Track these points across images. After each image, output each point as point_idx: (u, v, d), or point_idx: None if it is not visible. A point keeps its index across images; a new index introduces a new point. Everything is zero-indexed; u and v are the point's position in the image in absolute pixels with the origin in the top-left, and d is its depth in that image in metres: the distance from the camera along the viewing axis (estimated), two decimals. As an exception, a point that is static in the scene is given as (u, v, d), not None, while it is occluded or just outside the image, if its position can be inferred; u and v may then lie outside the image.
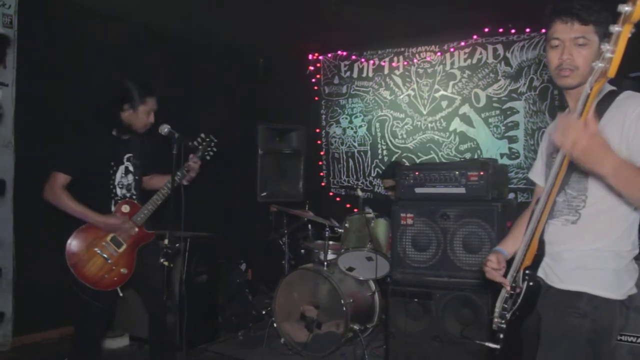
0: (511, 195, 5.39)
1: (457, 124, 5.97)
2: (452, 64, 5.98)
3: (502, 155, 5.67)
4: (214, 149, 3.36)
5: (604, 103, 1.83)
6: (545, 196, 1.81)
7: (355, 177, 6.63)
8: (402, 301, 3.77)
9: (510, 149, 5.65)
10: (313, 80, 6.86)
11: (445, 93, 6.03)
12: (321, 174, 6.83)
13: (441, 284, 3.69)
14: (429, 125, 6.13)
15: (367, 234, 4.35)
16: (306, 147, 5.89)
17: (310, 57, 6.83)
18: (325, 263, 4.50)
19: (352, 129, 6.65)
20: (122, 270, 3.08)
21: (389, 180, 5.22)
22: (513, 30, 5.58)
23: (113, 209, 3.12)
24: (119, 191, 3.15)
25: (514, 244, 2.09)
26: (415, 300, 3.73)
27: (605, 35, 1.37)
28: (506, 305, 1.98)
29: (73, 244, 3.00)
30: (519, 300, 1.91)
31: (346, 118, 6.68)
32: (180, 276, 4.21)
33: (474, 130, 5.88)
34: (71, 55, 4.89)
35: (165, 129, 3.04)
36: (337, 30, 6.02)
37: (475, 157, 5.75)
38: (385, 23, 5.69)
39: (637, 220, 1.88)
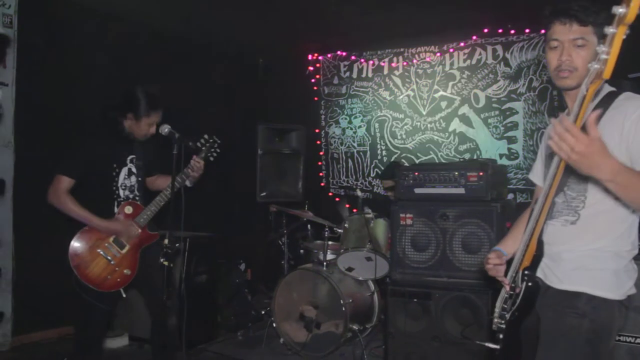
0: (510, 196, 5.39)
1: (456, 125, 5.97)
2: (452, 64, 5.99)
3: (501, 155, 5.67)
4: (218, 150, 3.37)
5: (604, 104, 1.83)
6: (543, 197, 1.81)
7: (354, 177, 6.63)
8: (402, 301, 3.78)
9: (509, 149, 5.66)
10: (312, 80, 6.86)
11: (444, 93, 6.03)
12: (320, 174, 6.84)
13: (440, 284, 3.70)
14: (429, 125, 6.14)
15: (366, 234, 4.36)
16: (306, 147, 5.89)
17: (309, 57, 6.83)
18: (325, 263, 4.50)
19: (351, 129, 6.65)
20: (125, 271, 3.09)
21: (388, 181, 5.22)
22: (512, 31, 5.59)
23: (116, 210, 3.12)
24: (121, 192, 3.16)
25: (514, 244, 2.10)
26: (415, 300, 3.73)
27: (603, 36, 1.37)
28: (505, 306, 1.99)
29: (76, 245, 3.00)
30: (518, 301, 1.91)
31: (345, 118, 6.69)
32: (180, 276, 4.22)
33: (473, 130, 5.88)
34: (71, 55, 4.90)
35: (165, 129, 3.05)
36: (336, 31, 6.02)
37: (475, 157, 5.75)
38: (384, 23, 5.69)
39: (636, 220, 1.89)
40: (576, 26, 1.82)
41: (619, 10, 1.28)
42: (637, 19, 1.32)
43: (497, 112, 5.73)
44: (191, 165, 3.20)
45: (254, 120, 6.06)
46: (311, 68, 6.86)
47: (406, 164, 5.92)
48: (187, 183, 3.27)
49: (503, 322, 1.99)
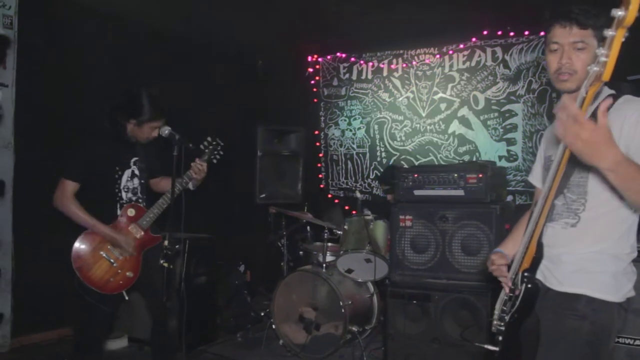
0: (509, 198, 5.40)
1: (455, 127, 5.98)
2: (451, 66, 6.00)
3: (500, 157, 5.68)
4: (221, 152, 3.36)
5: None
6: (543, 199, 1.81)
7: (353, 179, 6.63)
8: (401, 303, 3.79)
9: (508, 151, 5.66)
10: (312, 82, 6.87)
11: (444, 95, 6.04)
12: (320, 175, 6.84)
13: (440, 285, 3.70)
14: (428, 127, 6.14)
15: (366, 235, 4.36)
16: (305, 148, 5.90)
17: (309, 59, 6.84)
18: (324, 265, 4.51)
19: (350, 130, 6.66)
20: (127, 273, 3.08)
21: (386, 185, 5.23)
22: (512, 33, 5.59)
23: (119, 212, 3.12)
24: (124, 195, 3.15)
25: (514, 246, 2.10)
26: (414, 302, 3.74)
27: (603, 39, 1.38)
28: (505, 308, 1.99)
29: (79, 247, 3.00)
30: (518, 303, 1.92)
31: (345, 120, 6.69)
32: (180, 278, 4.22)
33: (472, 132, 5.89)
34: (71, 55, 4.90)
35: (165, 130, 3.05)
36: (336, 32, 6.03)
37: (474, 159, 5.76)
38: (384, 25, 5.70)
39: (635, 223, 1.89)
40: (576, 29, 1.82)
41: (618, 13, 1.28)
42: (635, 21, 1.32)
43: (496, 114, 5.74)
44: (194, 168, 3.20)
45: (253, 122, 6.05)
46: (311, 70, 6.87)
47: (405, 166, 5.93)
48: (190, 186, 3.27)
49: (502, 324, 1.99)
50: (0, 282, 4.37)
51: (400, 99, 6.30)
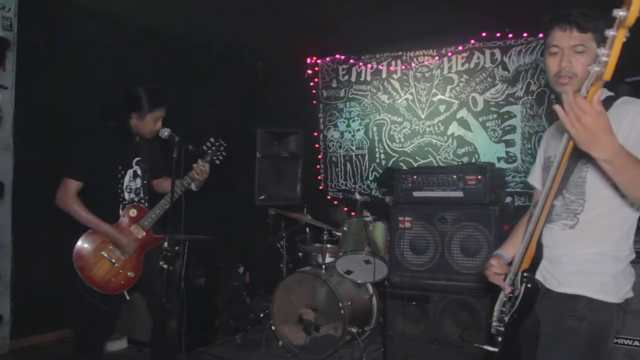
0: (508, 199, 5.40)
1: (454, 128, 5.99)
2: (450, 68, 6.01)
3: (499, 159, 5.69)
4: (224, 153, 3.37)
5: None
6: (542, 199, 1.82)
7: (352, 180, 6.64)
8: (400, 304, 3.79)
9: (507, 152, 5.67)
10: (311, 83, 6.87)
11: (443, 97, 6.05)
12: (319, 177, 6.84)
13: (439, 287, 3.71)
14: (427, 129, 6.15)
15: (365, 237, 4.37)
16: (304, 150, 5.91)
17: (308, 60, 6.84)
18: (323, 266, 4.51)
19: (349, 132, 6.66)
20: (129, 273, 3.09)
21: (385, 187, 5.24)
22: (510, 35, 5.61)
23: (121, 213, 3.13)
24: (127, 195, 3.15)
25: (514, 247, 2.10)
26: (413, 303, 3.74)
27: (602, 42, 1.38)
28: (504, 309, 2.00)
29: (80, 247, 3.00)
30: (517, 303, 1.92)
31: (344, 122, 6.70)
32: (179, 279, 4.22)
33: (471, 134, 5.90)
34: (71, 57, 4.90)
35: (165, 132, 3.06)
36: (335, 34, 6.04)
37: (473, 161, 5.77)
38: (383, 27, 5.71)
39: (634, 224, 1.90)
40: (576, 33, 1.83)
41: (620, 13, 1.29)
42: (636, 22, 1.33)
43: (495, 116, 5.75)
44: (196, 169, 3.20)
45: (252, 123, 6.07)
46: (310, 71, 6.87)
47: (404, 168, 5.94)
48: (193, 187, 3.27)
49: (501, 325, 2.00)
50: (0, 284, 4.37)
51: (399, 100, 6.31)
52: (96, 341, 3.15)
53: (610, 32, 1.33)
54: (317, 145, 6.83)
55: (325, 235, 4.61)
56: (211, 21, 5.58)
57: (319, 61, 6.83)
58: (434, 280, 3.74)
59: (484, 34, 5.74)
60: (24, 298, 4.46)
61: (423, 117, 6.18)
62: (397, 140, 6.33)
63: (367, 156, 6.54)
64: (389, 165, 6.22)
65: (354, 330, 4.21)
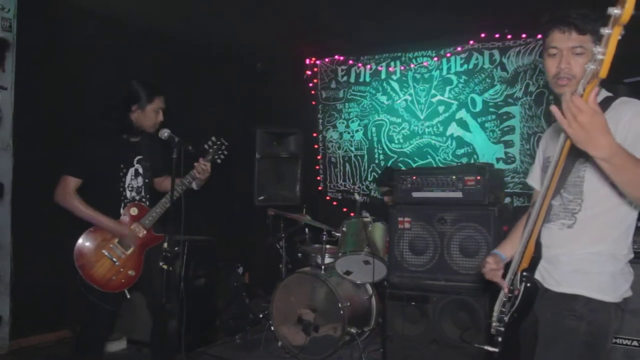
0: (507, 200, 5.41)
1: (453, 129, 6.00)
2: (449, 69, 6.02)
3: (498, 159, 5.70)
4: (225, 152, 3.38)
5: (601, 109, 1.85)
6: (541, 199, 1.83)
7: (351, 181, 6.65)
8: (400, 304, 3.80)
9: (506, 153, 5.68)
10: (310, 84, 6.88)
11: (442, 98, 6.06)
12: (318, 178, 6.85)
13: (438, 287, 3.71)
14: (426, 130, 6.16)
15: (364, 237, 4.37)
16: (303, 151, 5.91)
17: (307, 61, 6.85)
18: (323, 267, 4.52)
19: (348, 133, 6.67)
20: (129, 272, 3.09)
21: (384, 187, 5.24)
22: (509, 36, 5.62)
23: (122, 211, 3.13)
24: (128, 194, 3.16)
25: (512, 247, 2.12)
26: (413, 303, 3.75)
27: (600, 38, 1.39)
28: (504, 309, 2.01)
29: (81, 245, 3.01)
30: (517, 302, 1.93)
31: (343, 122, 6.71)
32: (179, 279, 4.22)
33: (470, 135, 5.91)
34: (70, 57, 4.90)
35: (165, 133, 3.06)
36: (334, 35, 6.04)
37: (472, 161, 5.78)
38: (382, 28, 5.72)
39: (633, 224, 1.91)
40: (575, 34, 1.84)
41: (614, 11, 1.30)
42: (631, 25, 1.34)
43: (494, 117, 5.76)
44: (197, 168, 3.21)
45: (252, 123, 6.07)
46: (309, 72, 6.88)
47: (403, 168, 5.95)
48: (194, 186, 3.28)
49: (501, 325, 2.01)
50: (-1, 285, 4.38)
51: (399, 101, 6.32)
52: (97, 340, 3.16)
53: (605, 30, 1.34)
54: (316, 146, 6.84)
55: (324, 236, 4.61)
56: (211, 21, 5.59)
57: (318, 62, 6.84)
58: (433, 281, 3.75)
59: (482, 35, 5.75)
60: (24, 298, 4.46)
61: (422, 117, 6.19)
62: (396, 141, 6.34)
63: (366, 157, 6.55)
64: (389, 164, 6.23)
65: (353, 330, 4.22)
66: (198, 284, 4.58)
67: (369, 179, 6.52)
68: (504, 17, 5.31)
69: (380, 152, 6.45)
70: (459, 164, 5.78)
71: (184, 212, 3.01)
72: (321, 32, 5.95)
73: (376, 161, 6.47)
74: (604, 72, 1.39)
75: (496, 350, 2.02)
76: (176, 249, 3.01)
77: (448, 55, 6.01)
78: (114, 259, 3.06)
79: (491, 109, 5.76)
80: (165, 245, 2.91)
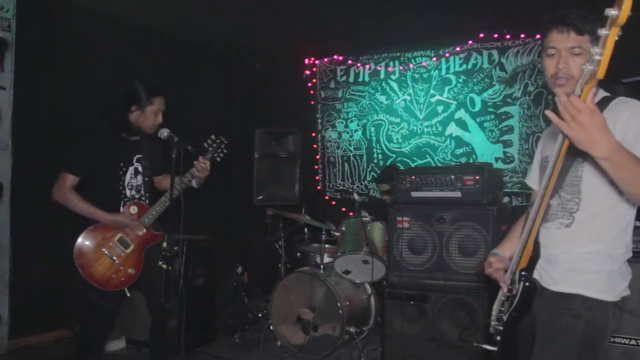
0: (506, 199, 5.43)
1: (452, 129, 6.01)
2: (448, 69, 6.03)
3: (497, 159, 5.71)
4: (225, 151, 3.39)
5: (598, 109, 1.86)
6: (539, 199, 1.84)
7: (350, 181, 6.66)
8: (398, 304, 3.80)
9: (505, 153, 5.70)
10: (309, 84, 6.89)
11: (440, 98, 6.07)
12: (317, 177, 6.86)
13: (437, 286, 3.72)
14: (425, 129, 6.17)
15: (363, 237, 4.37)
16: (302, 151, 5.91)
17: (306, 61, 6.86)
18: (322, 266, 4.52)
19: (347, 133, 6.68)
20: (129, 270, 3.10)
21: (384, 184, 5.24)
22: (508, 36, 5.63)
23: (122, 209, 3.14)
24: (128, 192, 3.17)
25: (511, 247, 2.12)
26: (412, 303, 3.75)
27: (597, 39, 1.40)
28: (503, 308, 2.01)
29: (81, 244, 3.02)
30: (516, 301, 1.93)
31: (342, 122, 6.71)
32: (178, 278, 4.22)
33: (469, 134, 5.92)
34: (70, 57, 4.90)
35: (164, 132, 3.06)
36: (333, 35, 6.05)
37: (471, 161, 5.79)
38: (381, 28, 5.73)
39: (631, 223, 1.92)
40: (573, 35, 1.84)
41: (612, 12, 1.31)
42: (630, 25, 1.35)
43: (492, 116, 5.77)
44: (197, 166, 3.22)
45: (251, 123, 6.07)
46: (308, 72, 6.88)
47: (402, 167, 5.95)
48: (194, 184, 3.29)
49: (500, 324, 2.01)
50: (-2, 284, 4.38)
51: (398, 101, 6.33)
52: (97, 338, 3.17)
53: (602, 31, 1.34)
54: (315, 146, 6.84)
55: (323, 235, 4.62)
56: (211, 21, 5.59)
57: (316, 62, 6.84)
58: (432, 280, 3.75)
59: (481, 35, 5.76)
60: (23, 298, 4.46)
61: (421, 117, 6.19)
62: (395, 141, 6.35)
63: (365, 156, 6.56)
64: (387, 164, 6.23)
65: (352, 330, 4.22)
66: (197, 284, 4.59)
67: (368, 179, 6.53)
68: (502, 17, 5.32)
69: (379, 151, 6.46)
70: (457, 163, 5.79)
71: (184, 211, 3.02)
72: (320, 32, 5.96)
73: (375, 161, 6.48)
74: (601, 73, 1.40)
75: (495, 349, 2.03)
76: (175, 248, 3.01)
77: (447, 55, 6.02)
78: (114, 257, 3.06)
79: (490, 109, 5.77)
80: (165, 244, 2.91)
